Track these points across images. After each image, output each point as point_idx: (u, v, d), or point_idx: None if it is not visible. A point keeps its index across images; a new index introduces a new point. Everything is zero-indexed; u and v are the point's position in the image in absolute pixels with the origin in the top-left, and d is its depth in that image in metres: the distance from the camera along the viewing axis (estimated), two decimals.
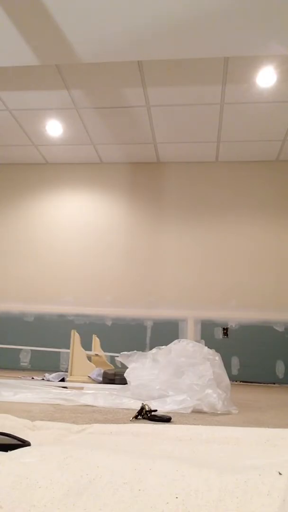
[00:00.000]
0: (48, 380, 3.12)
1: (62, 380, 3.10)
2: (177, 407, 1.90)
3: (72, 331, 3.29)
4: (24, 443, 0.93)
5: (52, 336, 4.44)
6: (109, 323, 4.51)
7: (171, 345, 2.32)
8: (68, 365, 3.24)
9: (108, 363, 3.66)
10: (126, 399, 2.05)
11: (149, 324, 4.48)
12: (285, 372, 4.21)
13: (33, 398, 2.06)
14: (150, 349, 2.42)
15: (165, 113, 3.98)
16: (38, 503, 0.61)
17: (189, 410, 1.89)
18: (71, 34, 2.82)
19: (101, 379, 2.94)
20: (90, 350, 3.63)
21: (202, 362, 2.13)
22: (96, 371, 3.08)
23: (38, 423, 1.32)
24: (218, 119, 4.02)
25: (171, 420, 1.60)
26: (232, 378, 3.69)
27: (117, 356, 2.50)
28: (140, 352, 2.37)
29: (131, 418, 1.61)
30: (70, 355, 3.19)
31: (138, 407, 1.68)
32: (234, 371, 4.23)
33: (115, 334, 4.39)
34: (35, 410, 1.73)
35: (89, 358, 3.40)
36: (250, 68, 3.34)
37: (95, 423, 1.43)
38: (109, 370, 3.03)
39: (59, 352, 4.30)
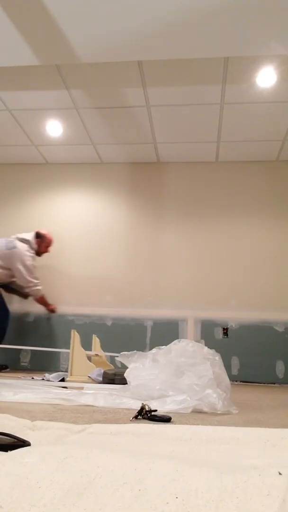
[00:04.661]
0: (48, 380, 3.12)
1: (62, 380, 3.10)
2: (177, 407, 1.89)
3: (72, 331, 3.29)
4: (24, 443, 0.93)
5: (52, 336, 4.44)
6: (109, 323, 4.51)
7: (171, 345, 2.32)
8: (68, 365, 3.24)
9: (108, 363, 3.66)
10: (126, 399, 2.05)
11: (149, 324, 4.47)
12: (285, 372, 4.21)
13: (33, 398, 2.06)
14: (150, 349, 2.42)
15: (165, 113, 3.98)
16: (38, 503, 0.61)
17: (189, 410, 1.89)
18: (71, 34, 2.82)
19: (101, 379, 2.94)
20: (90, 350, 3.63)
21: (202, 362, 2.13)
22: (96, 371, 3.08)
23: (38, 423, 1.32)
24: (218, 119, 4.02)
25: (171, 420, 1.60)
26: (232, 378, 3.69)
27: (117, 356, 2.50)
28: (140, 352, 2.37)
29: (131, 418, 1.60)
30: (70, 355, 3.19)
31: (138, 407, 1.68)
32: (234, 371, 4.23)
33: (115, 334, 4.39)
34: (35, 410, 1.73)
35: (89, 358, 3.40)
36: (250, 68, 3.34)
37: (95, 423, 1.43)
38: (109, 370, 3.03)
39: (59, 352, 4.30)
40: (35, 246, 4.35)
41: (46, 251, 4.46)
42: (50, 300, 4.62)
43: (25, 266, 4.17)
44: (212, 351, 2.24)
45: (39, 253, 4.42)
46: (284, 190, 4.68)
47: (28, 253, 4.23)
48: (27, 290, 4.26)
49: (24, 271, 4.17)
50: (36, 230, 4.43)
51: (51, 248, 4.50)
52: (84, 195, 4.94)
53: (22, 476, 0.68)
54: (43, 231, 4.46)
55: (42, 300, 4.40)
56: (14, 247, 4.18)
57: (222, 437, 1.23)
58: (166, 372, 2.16)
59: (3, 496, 0.62)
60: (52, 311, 4.54)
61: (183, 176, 4.84)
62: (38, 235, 4.41)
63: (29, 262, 4.20)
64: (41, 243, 4.40)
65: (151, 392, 2.07)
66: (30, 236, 4.35)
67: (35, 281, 4.25)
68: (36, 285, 4.25)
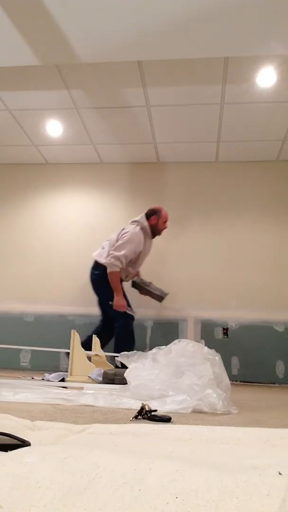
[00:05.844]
0: (48, 380, 3.12)
1: (62, 380, 3.10)
2: (177, 407, 1.89)
3: (72, 331, 3.28)
4: (24, 443, 0.93)
5: (52, 336, 4.44)
6: None
7: (171, 345, 2.32)
8: (68, 365, 3.23)
9: (108, 363, 3.66)
10: (126, 399, 2.05)
11: (149, 324, 4.47)
12: (285, 372, 4.21)
13: (33, 398, 2.06)
14: (150, 349, 2.42)
15: (165, 113, 3.98)
16: (38, 503, 0.61)
17: (189, 410, 1.89)
18: (71, 34, 2.82)
19: (101, 379, 2.94)
20: (90, 350, 3.63)
21: (202, 362, 2.13)
22: (96, 371, 3.08)
23: (38, 423, 1.32)
24: (218, 119, 4.02)
25: (171, 420, 1.60)
26: (232, 378, 3.69)
27: (117, 356, 2.49)
28: (140, 352, 2.37)
29: (131, 418, 1.60)
30: (70, 355, 3.19)
31: (138, 407, 1.68)
32: (234, 371, 4.23)
33: None
34: (35, 410, 1.73)
35: (89, 358, 3.40)
36: (250, 68, 3.34)
37: (95, 423, 1.43)
38: (109, 370, 3.03)
39: (59, 352, 4.30)
40: (146, 224, 3.90)
41: (165, 227, 4.01)
42: (50, 300, 4.61)
43: (122, 240, 3.77)
44: (212, 351, 2.24)
45: (158, 231, 3.99)
46: (284, 190, 4.68)
47: (131, 232, 3.79)
48: (106, 261, 3.76)
49: (118, 244, 3.76)
50: (148, 208, 4.01)
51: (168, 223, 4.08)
52: (84, 195, 4.94)
53: (22, 476, 0.68)
54: (154, 206, 4.04)
55: (113, 280, 3.75)
56: (122, 229, 3.89)
57: (222, 437, 1.23)
58: (166, 372, 2.16)
59: (3, 496, 0.62)
60: (120, 308, 3.78)
61: (183, 176, 4.84)
62: (152, 212, 3.97)
63: (128, 241, 3.75)
64: (158, 220, 3.95)
65: (151, 392, 2.07)
66: (139, 217, 3.96)
67: (119, 253, 3.69)
68: (117, 260, 3.69)
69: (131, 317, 3.85)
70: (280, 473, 0.69)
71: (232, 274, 4.53)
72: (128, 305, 3.90)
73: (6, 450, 0.84)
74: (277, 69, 3.33)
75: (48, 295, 4.66)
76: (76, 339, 3.25)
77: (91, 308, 4.55)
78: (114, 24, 2.73)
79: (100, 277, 3.80)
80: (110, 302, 3.83)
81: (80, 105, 3.92)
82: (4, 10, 2.65)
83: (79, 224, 4.85)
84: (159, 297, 4.13)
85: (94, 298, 4.69)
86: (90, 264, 4.73)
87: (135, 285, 4.12)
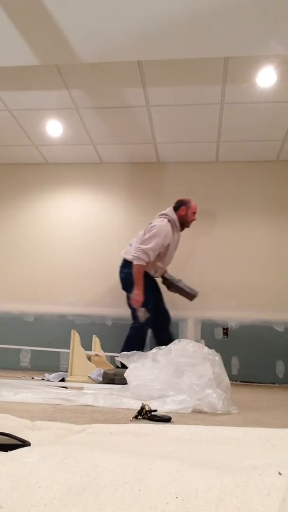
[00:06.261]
0: (48, 380, 3.12)
1: (62, 380, 3.10)
2: (177, 407, 1.90)
3: (72, 331, 3.28)
4: (24, 443, 0.93)
5: (52, 336, 4.44)
6: (109, 323, 4.51)
7: (171, 345, 2.32)
8: (68, 365, 3.24)
9: (108, 363, 3.66)
10: (126, 399, 2.05)
11: None
12: (285, 372, 4.21)
13: (33, 398, 2.06)
14: (150, 349, 2.42)
15: (165, 113, 3.98)
16: (38, 503, 0.61)
17: (189, 410, 1.89)
18: (71, 34, 2.82)
19: (101, 379, 2.94)
20: (90, 350, 3.63)
21: (202, 362, 2.13)
22: (96, 371, 3.08)
23: (38, 423, 1.32)
24: (218, 119, 4.02)
25: (171, 420, 1.60)
26: (232, 378, 3.69)
27: (117, 356, 2.50)
28: (140, 352, 2.37)
29: (131, 418, 1.61)
30: (70, 355, 3.19)
31: (138, 407, 1.68)
32: (234, 371, 4.22)
33: (115, 334, 4.38)
34: (35, 410, 1.73)
35: (89, 358, 3.40)
36: (250, 68, 3.34)
37: (95, 423, 1.43)
38: (109, 370, 3.03)
39: (59, 352, 4.30)
40: (174, 217, 3.79)
41: (194, 218, 3.88)
42: (50, 300, 4.61)
43: (150, 233, 3.65)
44: (212, 351, 2.24)
45: (187, 223, 3.87)
46: (284, 190, 4.68)
47: (158, 225, 3.68)
48: (131, 255, 3.65)
49: (144, 237, 3.65)
50: (176, 200, 3.89)
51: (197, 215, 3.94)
52: (84, 195, 4.94)
53: (22, 476, 0.68)
54: (182, 198, 3.91)
55: (136, 273, 3.59)
56: (149, 223, 3.76)
57: (222, 437, 1.23)
58: (166, 372, 2.16)
59: (3, 496, 0.62)
60: (136, 303, 3.60)
61: (183, 176, 4.84)
62: (181, 203, 3.85)
63: (156, 234, 3.62)
64: (187, 210, 3.83)
65: (151, 392, 2.07)
66: (167, 210, 3.85)
67: (145, 247, 3.57)
68: (144, 253, 3.56)
69: (148, 323, 3.68)
70: (280, 473, 0.69)
71: (232, 274, 4.53)
72: (162, 308, 3.81)
73: (6, 450, 0.84)
74: (277, 69, 3.33)
75: (48, 295, 4.66)
76: (76, 339, 3.25)
77: (91, 308, 4.56)
78: (114, 24, 2.73)
79: (130, 276, 3.65)
80: (129, 294, 3.67)
81: (80, 105, 3.92)
82: (4, 10, 2.65)
83: (79, 224, 4.85)
84: (190, 295, 3.97)
85: (94, 298, 4.70)
86: (90, 264, 4.75)
87: (165, 281, 4.01)
